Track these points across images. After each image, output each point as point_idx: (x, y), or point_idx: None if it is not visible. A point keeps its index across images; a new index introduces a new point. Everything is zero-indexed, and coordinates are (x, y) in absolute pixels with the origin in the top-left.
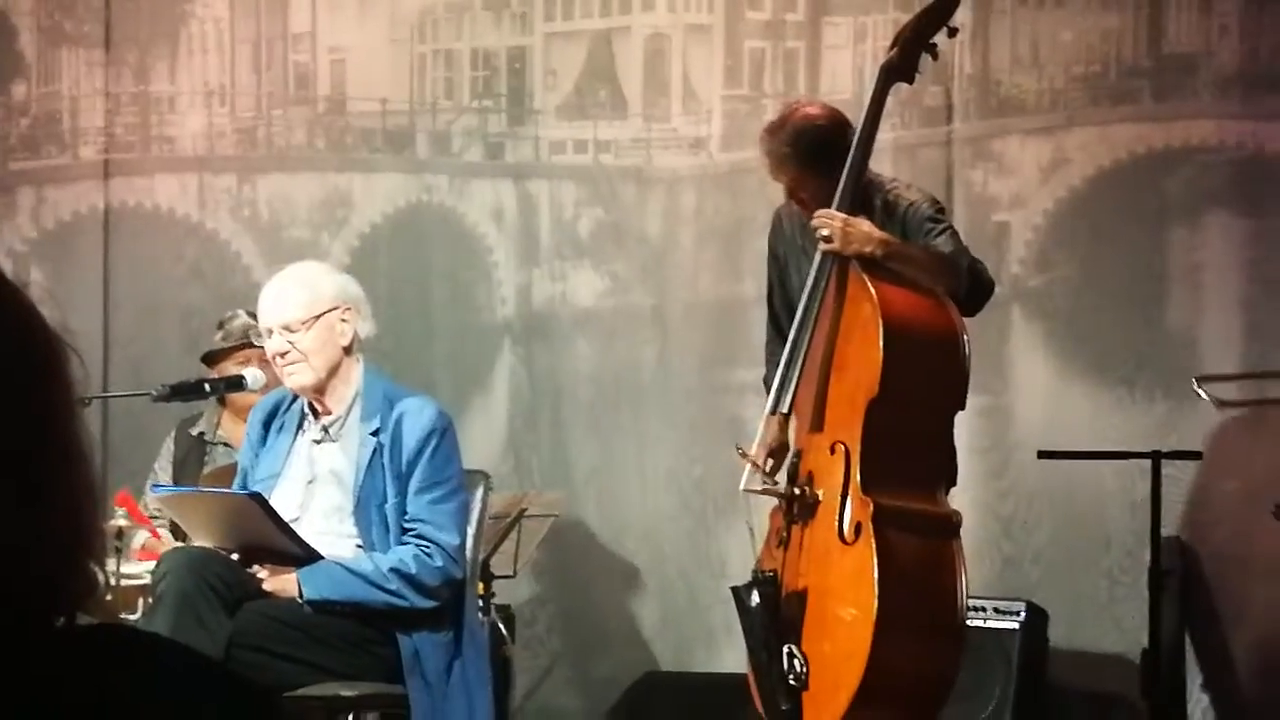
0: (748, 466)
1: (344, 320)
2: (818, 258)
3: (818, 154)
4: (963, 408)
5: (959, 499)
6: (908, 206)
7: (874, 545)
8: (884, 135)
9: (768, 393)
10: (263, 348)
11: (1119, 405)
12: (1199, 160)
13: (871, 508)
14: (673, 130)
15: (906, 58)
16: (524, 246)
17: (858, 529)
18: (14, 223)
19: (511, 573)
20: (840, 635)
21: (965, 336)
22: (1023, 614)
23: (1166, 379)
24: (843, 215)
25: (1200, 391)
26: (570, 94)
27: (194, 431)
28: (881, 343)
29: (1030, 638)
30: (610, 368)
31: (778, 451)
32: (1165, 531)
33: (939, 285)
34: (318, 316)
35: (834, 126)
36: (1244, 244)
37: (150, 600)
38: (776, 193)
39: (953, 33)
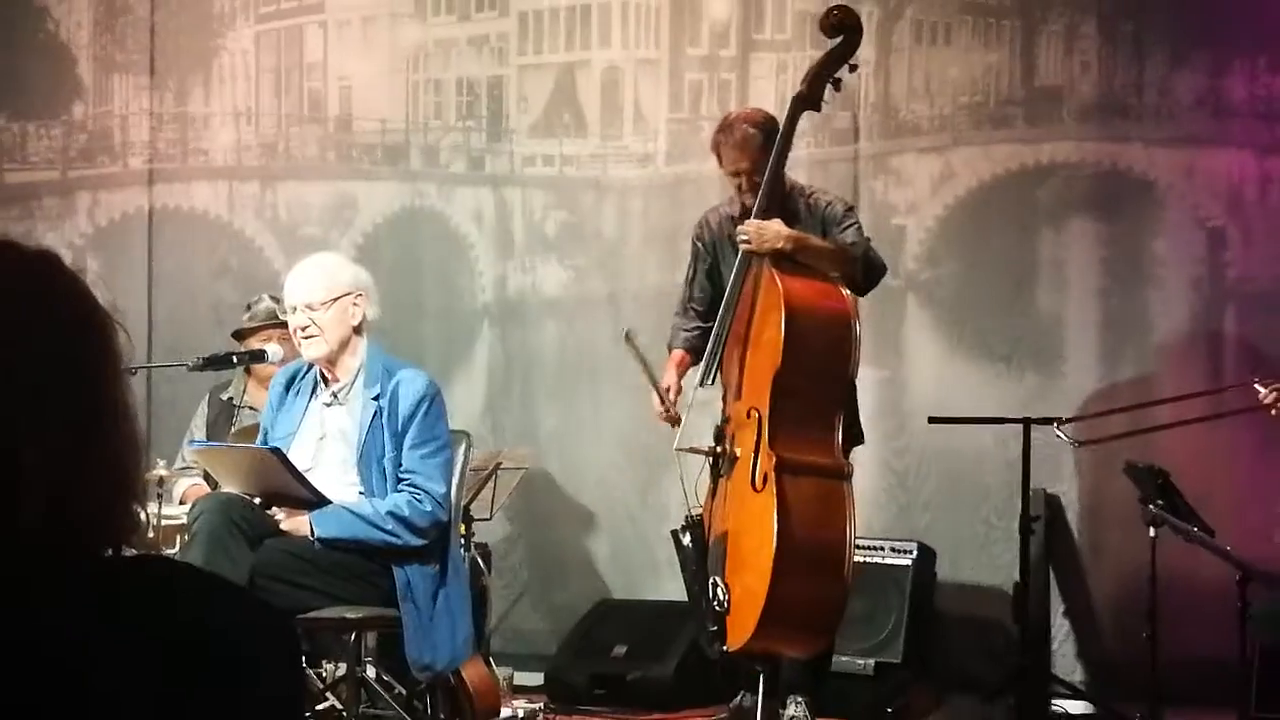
0: (680, 430)
1: (355, 304)
2: (739, 257)
3: (772, 135)
4: (855, 375)
5: (861, 456)
6: (826, 206)
7: (775, 492)
8: (801, 151)
9: (672, 350)
10: (283, 326)
11: (997, 379)
12: (1063, 175)
13: (774, 460)
14: (625, 147)
15: (813, 90)
16: (500, 244)
17: (765, 479)
18: (73, 221)
19: (488, 516)
20: (750, 568)
21: (856, 319)
22: (914, 552)
23: (1036, 357)
24: (756, 222)
25: (1060, 434)
26: (540, 116)
27: (224, 397)
28: (783, 324)
29: (920, 572)
30: (572, 345)
31: (671, 392)
32: (1034, 484)
33: (837, 271)
34: (336, 299)
35: (773, 117)
36: (1100, 244)
37: (186, 537)
38: (712, 199)
39: (853, 69)
